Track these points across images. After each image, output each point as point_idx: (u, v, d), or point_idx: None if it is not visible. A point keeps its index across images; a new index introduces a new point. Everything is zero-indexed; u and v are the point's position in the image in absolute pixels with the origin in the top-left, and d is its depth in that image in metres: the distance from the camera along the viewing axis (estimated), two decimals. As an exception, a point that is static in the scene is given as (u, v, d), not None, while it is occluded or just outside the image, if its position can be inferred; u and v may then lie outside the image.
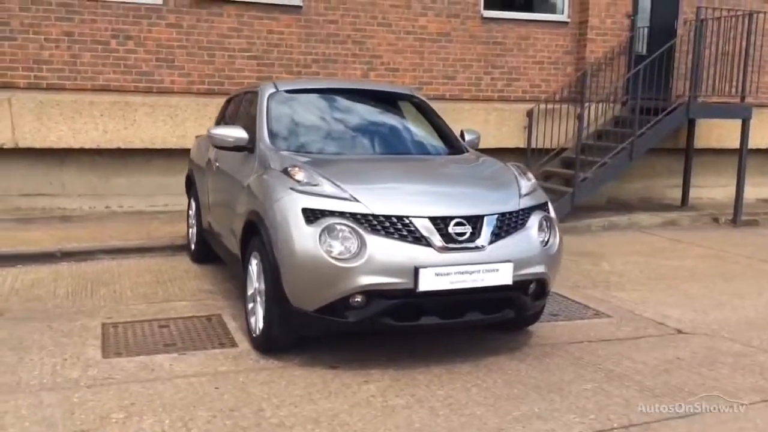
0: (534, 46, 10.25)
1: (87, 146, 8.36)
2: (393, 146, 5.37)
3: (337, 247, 4.02)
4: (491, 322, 4.56)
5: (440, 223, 4.12)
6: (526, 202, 4.51)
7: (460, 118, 9.72)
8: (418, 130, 5.64)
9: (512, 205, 4.43)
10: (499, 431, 3.56)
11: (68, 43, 8.30)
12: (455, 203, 4.29)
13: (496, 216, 4.28)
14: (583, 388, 4.13)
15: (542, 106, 9.96)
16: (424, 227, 4.09)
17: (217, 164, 5.77)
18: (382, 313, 4.08)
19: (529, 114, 10.01)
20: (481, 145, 9.81)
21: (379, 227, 4.07)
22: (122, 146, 8.48)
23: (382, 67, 9.54)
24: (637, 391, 4.09)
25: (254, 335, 4.56)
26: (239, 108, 5.98)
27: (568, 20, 10.36)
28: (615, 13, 10.32)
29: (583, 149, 9.93)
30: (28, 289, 5.82)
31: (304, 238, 4.05)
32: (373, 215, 4.09)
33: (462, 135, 5.72)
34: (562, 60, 10.42)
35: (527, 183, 4.72)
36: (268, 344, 4.44)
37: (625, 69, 10.32)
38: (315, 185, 4.24)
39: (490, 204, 4.36)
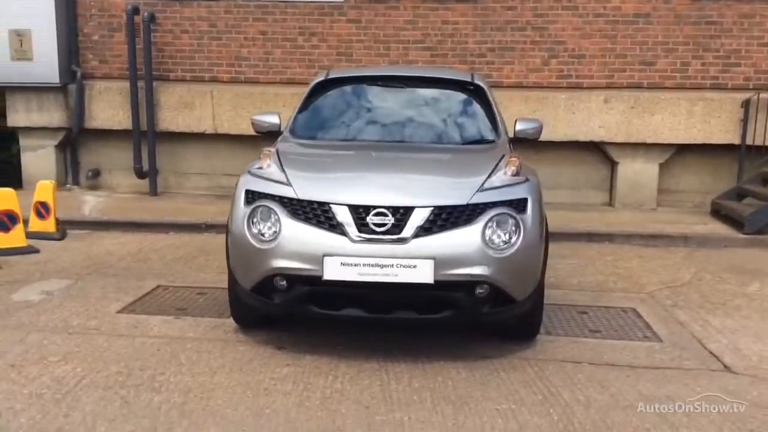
0: (761, 25, 8.64)
1: (272, 133, 9.25)
2: (403, 134, 5.14)
3: (259, 229, 4.11)
4: (429, 323, 4.22)
5: (362, 212, 3.95)
6: (482, 197, 4.03)
7: (655, 109, 8.74)
8: (450, 118, 5.30)
9: (460, 198, 4.01)
10: (338, 432, 3.38)
11: (263, 40, 9.28)
12: (384, 193, 4.03)
13: (431, 209, 3.94)
14: (495, 407, 3.64)
15: (763, 95, 8.39)
16: (343, 215, 3.95)
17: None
18: (304, 298, 4.06)
19: (745, 104, 8.50)
20: (683, 140, 8.87)
21: (300, 212, 4.05)
22: (302, 134, 9.22)
23: (565, 54, 8.90)
24: (549, 423, 3.48)
25: (240, 310, 4.82)
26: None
27: (811, -9, 8.55)
28: None
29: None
30: (148, 252, 6.79)
31: (238, 218, 4.22)
32: (297, 200, 4.08)
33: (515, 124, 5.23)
34: (800, 40, 8.64)
35: (502, 177, 4.19)
36: (234, 319, 4.67)
37: None
38: (265, 168, 4.36)
39: (429, 196, 4.02)
